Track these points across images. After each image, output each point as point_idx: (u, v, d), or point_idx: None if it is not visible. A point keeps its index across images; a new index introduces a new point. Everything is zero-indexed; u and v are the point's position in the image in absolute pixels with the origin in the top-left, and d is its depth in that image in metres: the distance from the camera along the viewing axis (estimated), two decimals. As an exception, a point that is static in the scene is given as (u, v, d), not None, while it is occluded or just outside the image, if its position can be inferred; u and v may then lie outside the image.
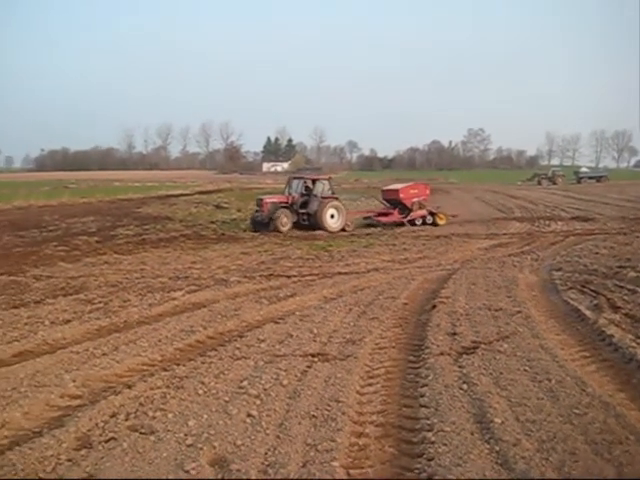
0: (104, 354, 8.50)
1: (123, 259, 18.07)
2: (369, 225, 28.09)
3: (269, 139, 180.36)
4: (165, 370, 7.75)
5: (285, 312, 10.89)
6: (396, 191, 28.76)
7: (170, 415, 6.30)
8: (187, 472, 5.07)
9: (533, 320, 9.72)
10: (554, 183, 73.13)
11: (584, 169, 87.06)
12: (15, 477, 5.06)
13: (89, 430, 6.00)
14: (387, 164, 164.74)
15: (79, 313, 11.04)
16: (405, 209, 28.31)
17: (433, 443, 5.49)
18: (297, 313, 10.72)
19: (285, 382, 7.17)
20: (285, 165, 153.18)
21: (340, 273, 15.12)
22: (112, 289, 13.29)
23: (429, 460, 5.21)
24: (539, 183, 74.35)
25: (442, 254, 18.37)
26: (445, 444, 5.43)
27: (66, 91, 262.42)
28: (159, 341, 9.10)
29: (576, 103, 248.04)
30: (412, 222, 27.97)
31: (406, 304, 11.34)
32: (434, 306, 10.83)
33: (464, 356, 7.97)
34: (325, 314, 10.59)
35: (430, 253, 18.66)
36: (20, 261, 17.63)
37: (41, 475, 5.12)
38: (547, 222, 27.60)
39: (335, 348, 8.59)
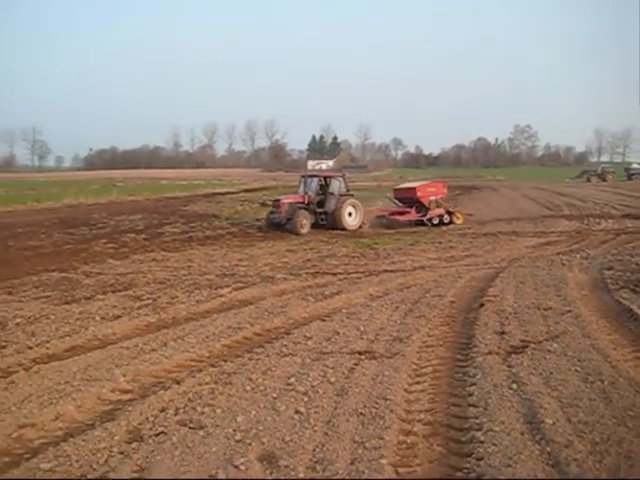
0: (153, 350, 8.63)
1: (170, 256, 18.31)
2: (385, 225, 26.83)
3: (314, 137, 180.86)
4: (213, 366, 7.84)
5: (331, 309, 10.90)
6: (413, 189, 27.75)
7: (218, 410, 6.36)
8: (236, 467, 5.11)
9: (584, 320, 9.55)
10: (604, 180, 71.50)
11: (635, 165, 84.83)
12: (68, 469, 5.17)
13: (139, 424, 6.10)
14: (432, 161, 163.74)
15: (128, 309, 11.22)
16: (422, 208, 27.25)
17: (482, 443, 5.44)
18: (343, 310, 10.72)
19: (332, 379, 7.18)
20: (330, 163, 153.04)
21: (386, 271, 15.07)
22: (160, 286, 13.48)
23: (478, 460, 5.16)
24: (588, 180, 72.83)
25: (489, 252, 18.15)
26: (495, 444, 5.37)
27: (114, 91, 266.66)
28: (207, 337, 9.20)
29: (626, 98, 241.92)
30: (425, 221, 26.96)
31: (453, 302, 11.24)
32: (482, 304, 10.72)
33: (513, 355, 7.87)
34: (372, 312, 10.57)
35: (477, 251, 18.46)
36: (70, 258, 17.99)
37: (94, 467, 5.22)
38: (597, 220, 26.97)
39: (382, 346, 8.56)
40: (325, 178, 26.47)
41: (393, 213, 27.69)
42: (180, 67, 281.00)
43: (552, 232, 23.09)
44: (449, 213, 27.50)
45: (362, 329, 9.43)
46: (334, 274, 14.72)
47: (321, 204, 25.45)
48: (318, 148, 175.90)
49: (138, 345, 8.87)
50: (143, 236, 23.41)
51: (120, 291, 12.95)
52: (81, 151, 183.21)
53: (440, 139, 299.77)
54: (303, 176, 26.75)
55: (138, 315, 10.77)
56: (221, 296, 12.20)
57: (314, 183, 25.98)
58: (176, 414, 6.33)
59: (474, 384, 6.94)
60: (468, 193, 50.12)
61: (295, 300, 11.70)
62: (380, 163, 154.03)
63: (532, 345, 8.26)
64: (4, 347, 8.93)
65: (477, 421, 5.93)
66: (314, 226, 24.84)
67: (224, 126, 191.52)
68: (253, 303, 11.52)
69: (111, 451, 5.51)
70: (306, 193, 25.46)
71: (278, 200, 25.57)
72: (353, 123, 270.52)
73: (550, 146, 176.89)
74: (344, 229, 24.77)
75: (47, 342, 9.14)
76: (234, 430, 5.86)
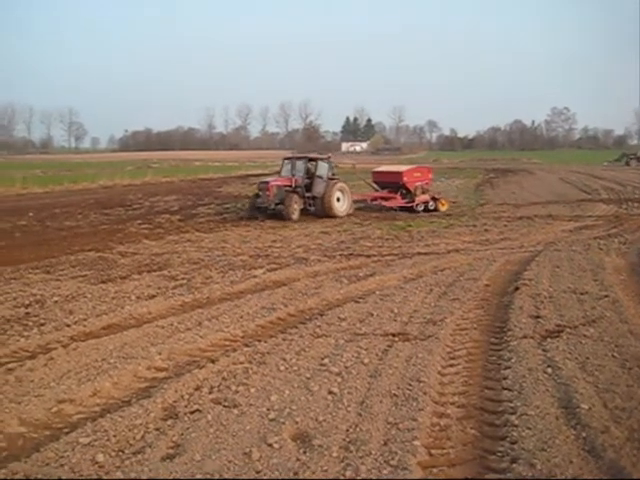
0: (188, 329, 8.72)
1: (205, 237, 18.43)
2: (368, 209, 25.68)
3: (348, 119, 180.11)
4: (247, 346, 7.90)
5: (365, 291, 10.90)
6: (399, 174, 26.12)
7: (253, 390, 6.41)
8: (270, 446, 5.16)
9: (621, 305, 9.40)
10: (644, 163, 70.12)
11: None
12: (106, 443, 5.27)
13: (175, 401, 6.18)
14: (467, 144, 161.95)
15: (163, 289, 11.35)
16: (408, 193, 25.87)
17: (516, 426, 5.40)
18: (377, 292, 10.70)
19: (366, 360, 7.19)
20: (364, 145, 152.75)
21: (420, 253, 15.00)
22: (194, 266, 13.58)
23: (512, 443, 5.14)
24: (627, 164, 71.36)
25: (524, 236, 17.95)
26: (529, 428, 5.33)
27: (148, 72, 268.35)
28: (241, 317, 9.27)
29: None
30: (409, 208, 25.55)
31: (488, 286, 11.16)
32: (517, 288, 10.61)
33: (548, 340, 7.79)
34: (405, 294, 10.54)
35: (512, 235, 18.27)
36: (106, 238, 18.23)
37: (131, 442, 5.31)
38: (636, 204, 26.49)
39: (416, 328, 8.55)
40: (312, 160, 24.61)
41: (375, 198, 26.39)
42: (214, 49, 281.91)
43: (589, 216, 22.76)
44: (434, 199, 26.26)
45: (396, 311, 9.41)
46: (368, 256, 14.70)
47: (308, 188, 23.61)
48: (352, 130, 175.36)
49: (173, 324, 8.97)
50: (178, 217, 23.63)
51: (155, 271, 13.10)
52: (116, 133, 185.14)
53: (475, 122, 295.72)
54: (288, 158, 25.32)
55: (173, 295, 10.88)
56: (255, 277, 12.26)
57: (301, 165, 24.10)
58: (210, 392, 6.40)
59: (508, 367, 6.90)
60: (503, 176, 49.68)
61: (329, 282, 11.72)
62: (414, 146, 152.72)
63: (568, 329, 8.16)
64: (43, 324, 9.11)
65: (511, 405, 5.89)
66: (301, 212, 23.21)
67: (258, 108, 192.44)
68: (287, 284, 11.57)
69: (147, 427, 5.59)
70: (293, 175, 23.66)
71: (266, 182, 23.52)
72: (387, 105, 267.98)
73: (588, 129, 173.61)
74: (334, 216, 23.14)
75: (84, 320, 9.30)
76: (268, 409, 5.91)
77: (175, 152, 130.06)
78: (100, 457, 5.04)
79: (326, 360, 7.24)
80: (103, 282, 12.03)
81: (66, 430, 5.66)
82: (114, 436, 5.40)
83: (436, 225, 20.72)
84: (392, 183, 26.37)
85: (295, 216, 22.59)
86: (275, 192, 22.70)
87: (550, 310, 9.17)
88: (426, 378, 6.60)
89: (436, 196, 26.67)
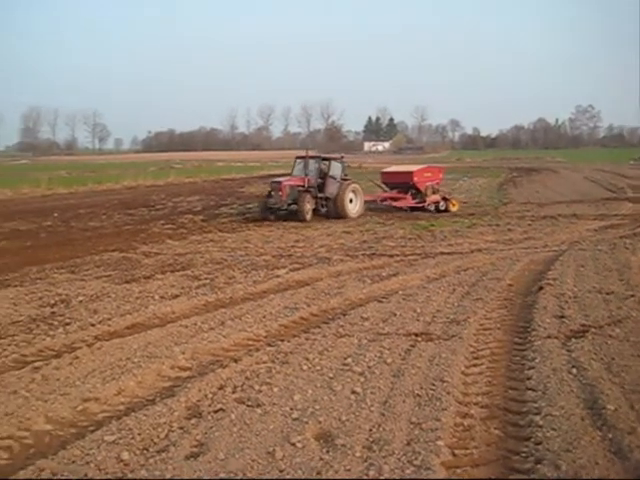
0: (211, 328, 8.76)
1: (227, 237, 18.51)
2: (381, 210, 25.11)
3: (370, 119, 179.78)
4: (270, 345, 7.92)
5: (388, 291, 10.87)
6: (409, 174, 25.46)
7: (276, 389, 6.42)
8: (293, 445, 5.16)
9: (648, 304, 9.28)
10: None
11: None
12: (129, 442, 5.31)
13: (198, 400, 6.22)
14: (490, 143, 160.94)
15: (187, 289, 11.41)
16: (418, 193, 25.30)
17: (541, 427, 5.35)
18: (400, 292, 10.68)
19: (389, 360, 7.17)
20: (386, 144, 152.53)
21: (443, 253, 14.94)
22: (217, 266, 13.65)
23: (537, 444, 5.09)
24: (653, 162, 70.60)
25: (548, 235, 17.80)
26: (554, 429, 5.28)
27: (171, 73, 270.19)
28: (264, 317, 9.29)
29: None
30: (425, 207, 25.18)
31: (511, 285, 11.08)
32: (541, 288, 10.52)
33: (573, 340, 7.71)
34: (428, 294, 10.50)
35: (536, 234, 18.12)
36: (130, 238, 18.39)
37: (155, 441, 5.35)
38: (663, 203, 26.17)
39: (439, 328, 8.51)
40: (325, 160, 23.96)
41: (385, 199, 25.76)
42: (236, 49, 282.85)
43: (615, 215, 22.51)
44: (445, 199, 25.81)
45: (419, 311, 9.39)
46: (390, 256, 14.67)
47: (320, 189, 22.99)
48: (374, 129, 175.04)
49: (196, 324, 9.01)
50: (200, 217, 23.78)
51: (178, 271, 13.18)
52: (139, 134, 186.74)
53: (498, 120, 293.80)
54: (300, 157, 24.45)
55: (196, 294, 10.94)
56: (278, 277, 12.30)
57: (314, 165, 23.42)
58: (234, 392, 6.42)
59: (532, 368, 6.84)
60: (527, 175, 49.31)
61: (352, 281, 11.71)
62: (437, 145, 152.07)
63: (593, 330, 8.07)
64: (68, 324, 9.22)
65: (535, 405, 5.84)
66: (313, 213, 22.67)
67: (280, 108, 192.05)
68: (309, 284, 11.58)
69: (171, 426, 5.63)
70: (306, 175, 22.90)
71: (279, 182, 22.78)
72: (409, 104, 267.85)
73: (613, 127, 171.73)
74: (346, 217, 22.58)
75: (109, 319, 9.39)
76: (291, 409, 5.92)
77: (197, 153, 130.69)
78: (125, 455, 5.08)
79: (349, 360, 7.23)
80: (127, 282, 12.14)
81: (91, 428, 5.71)
82: (139, 434, 5.44)
83: (459, 225, 20.60)
84: (402, 183, 25.75)
85: (309, 216, 22.12)
86: (288, 192, 22.15)
87: (575, 310, 9.08)
88: (449, 378, 6.56)
89: (447, 196, 26.22)
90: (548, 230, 18.85)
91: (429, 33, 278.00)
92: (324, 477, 4.70)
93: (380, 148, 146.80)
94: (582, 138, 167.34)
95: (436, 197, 25.53)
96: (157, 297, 10.80)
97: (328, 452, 5.06)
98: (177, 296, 10.87)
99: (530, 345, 7.63)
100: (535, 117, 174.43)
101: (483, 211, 25.06)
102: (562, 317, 8.71)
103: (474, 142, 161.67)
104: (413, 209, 25.15)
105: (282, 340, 8.13)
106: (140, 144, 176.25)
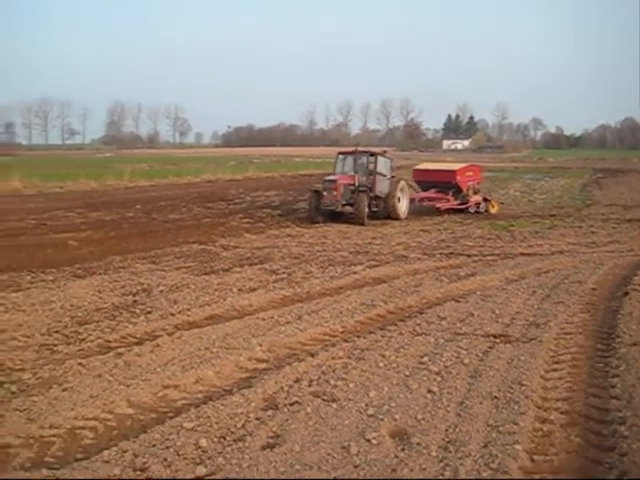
0: (288, 322, 8.84)
1: (305, 232, 18.62)
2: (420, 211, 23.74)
3: (449, 116, 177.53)
4: (346, 341, 7.93)
5: (466, 291, 10.73)
6: (452, 173, 24.09)
7: (351, 385, 6.43)
8: (368, 441, 5.17)
9: None
10: None
11: None
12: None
13: (275, 393, 6.28)
14: (574, 142, 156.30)
15: (264, 282, 11.54)
16: (459, 193, 23.91)
17: (626, 438, 5.17)
18: (478, 293, 10.53)
19: (466, 361, 7.08)
20: (465, 143, 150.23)
21: (522, 254, 14.64)
22: (295, 261, 13.76)
23: (621, 455, 4.92)
24: None
25: (635, 239, 17.17)
26: (640, 440, 5.09)
27: (251, 69, 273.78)
28: (340, 313, 9.31)
29: None
30: (469, 209, 23.81)
31: (594, 289, 10.75)
32: (626, 293, 10.18)
33: (661, 348, 7.43)
34: (507, 295, 10.32)
35: (621, 237, 17.52)
36: (209, 231, 18.69)
37: (232, 430, 5.43)
38: None
39: (518, 330, 8.35)
40: (372, 156, 21.94)
41: (423, 199, 24.32)
42: (317, 46, 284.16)
43: None
44: (485, 200, 24.50)
45: (497, 312, 9.23)
46: (468, 255, 14.48)
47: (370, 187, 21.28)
48: (453, 127, 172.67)
49: (274, 317, 9.11)
50: (278, 212, 23.98)
51: (256, 264, 13.33)
52: (219, 128, 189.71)
53: (583, 119, 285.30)
54: (342, 153, 22.67)
55: (274, 288, 11.05)
56: (355, 273, 12.30)
57: (363, 161, 21.58)
58: (310, 385, 6.46)
59: (617, 375, 6.62)
60: (612, 176, 47.83)
61: (429, 280, 11.61)
62: (518, 144, 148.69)
63: (682, 338, 7.75)
64: (150, 312, 9.47)
65: (620, 414, 5.65)
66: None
67: (359, 104, 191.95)
68: (386, 281, 11.53)
69: (248, 416, 5.71)
70: (356, 172, 21.07)
71: (334, 181, 20.46)
72: (490, 102, 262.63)
73: None
74: (397, 218, 21.32)
75: (188, 310, 9.59)
76: (366, 405, 5.92)
77: (276, 148, 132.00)
78: (203, 442, 5.19)
79: (425, 359, 7.18)
80: (206, 274, 12.36)
81: (171, 414, 5.86)
82: (216, 423, 5.55)
83: (539, 225, 20.11)
84: (441, 182, 24.28)
85: (366, 220, 20.43)
86: (342, 191, 20.30)
87: (663, 317, 8.74)
88: (528, 382, 6.43)
89: (487, 197, 25.01)
90: (634, 234, 18.19)
91: (511, 30, 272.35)
92: (399, 475, 4.67)
93: (459, 146, 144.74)
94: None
95: (478, 198, 24.42)
96: (235, 290, 10.95)
97: (403, 450, 5.04)
98: (255, 289, 11.00)
99: (614, 352, 7.39)
100: (622, 116, 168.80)
101: (565, 212, 24.38)
102: (649, 324, 8.40)
103: (557, 141, 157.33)
104: (454, 210, 23.80)
105: (358, 336, 8.13)
106: (220, 139, 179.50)
